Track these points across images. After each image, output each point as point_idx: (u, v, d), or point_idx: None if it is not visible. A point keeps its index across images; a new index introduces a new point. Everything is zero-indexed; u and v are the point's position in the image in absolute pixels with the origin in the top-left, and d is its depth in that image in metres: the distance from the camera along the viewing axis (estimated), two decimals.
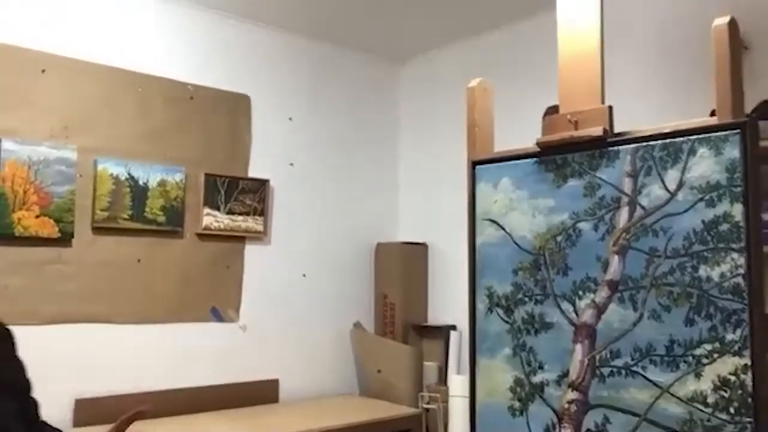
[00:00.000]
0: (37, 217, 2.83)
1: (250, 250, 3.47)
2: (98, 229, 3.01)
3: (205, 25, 3.41)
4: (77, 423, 2.88)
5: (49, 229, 2.86)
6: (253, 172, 3.50)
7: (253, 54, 3.58)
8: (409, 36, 3.83)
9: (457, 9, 3.43)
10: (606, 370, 1.66)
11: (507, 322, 1.89)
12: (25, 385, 1.34)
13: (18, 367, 1.39)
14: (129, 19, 3.18)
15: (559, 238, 1.83)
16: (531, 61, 3.38)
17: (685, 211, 1.60)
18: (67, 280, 2.92)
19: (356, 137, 4.00)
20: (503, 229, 1.96)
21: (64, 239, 2.91)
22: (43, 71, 2.90)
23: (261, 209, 3.48)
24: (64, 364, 2.88)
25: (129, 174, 3.08)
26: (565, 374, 1.74)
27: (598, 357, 1.68)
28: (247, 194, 3.44)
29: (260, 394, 3.38)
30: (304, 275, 3.64)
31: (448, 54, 3.97)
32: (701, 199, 1.58)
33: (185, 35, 3.35)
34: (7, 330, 1.40)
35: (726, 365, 1.48)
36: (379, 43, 3.94)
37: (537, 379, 1.80)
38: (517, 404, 1.83)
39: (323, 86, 3.86)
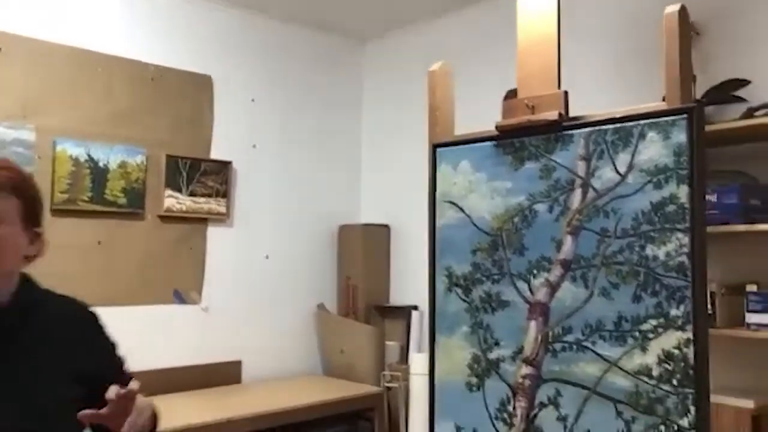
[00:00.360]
0: None
1: (213, 232, 3.47)
2: (57, 211, 2.98)
3: (167, 5, 3.37)
4: None
5: None
6: (216, 154, 3.49)
7: (216, 34, 3.55)
8: (371, 16, 3.84)
9: None
10: (558, 346, 1.73)
11: (465, 301, 1.95)
12: (100, 371, 1.33)
13: (98, 351, 1.39)
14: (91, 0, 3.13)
15: (516, 219, 1.88)
16: (492, 44, 3.43)
17: (635, 192, 1.67)
18: None
19: (319, 119, 4.01)
20: (462, 210, 2.01)
21: None
22: (0, 50, 2.85)
23: (224, 191, 3.48)
24: None
25: (89, 155, 3.05)
26: (520, 350, 1.80)
27: (550, 333, 1.75)
28: (210, 176, 3.44)
29: (223, 375, 3.40)
30: (267, 257, 3.66)
31: (410, 35, 4.00)
32: (649, 182, 1.64)
33: (147, 15, 3.31)
34: (92, 313, 1.40)
35: (670, 339, 1.56)
36: (341, 22, 3.95)
37: (493, 355, 1.86)
38: (474, 380, 1.90)
39: (286, 67, 3.86)
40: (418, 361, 3.30)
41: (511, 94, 2.15)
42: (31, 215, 1.28)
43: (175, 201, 3.30)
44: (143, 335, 3.15)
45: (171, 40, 3.38)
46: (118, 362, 1.45)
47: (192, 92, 3.45)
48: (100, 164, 3.08)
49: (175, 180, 3.30)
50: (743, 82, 2.59)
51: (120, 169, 3.13)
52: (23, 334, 1.27)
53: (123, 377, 1.35)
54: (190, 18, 3.46)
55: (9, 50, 2.87)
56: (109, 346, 1.43)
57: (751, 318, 2.34)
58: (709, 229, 2.31)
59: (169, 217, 3.30)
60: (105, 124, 3.13)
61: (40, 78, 2.96)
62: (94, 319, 1.41)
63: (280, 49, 3.83)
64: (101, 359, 1.38)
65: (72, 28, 3.06)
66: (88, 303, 1.42)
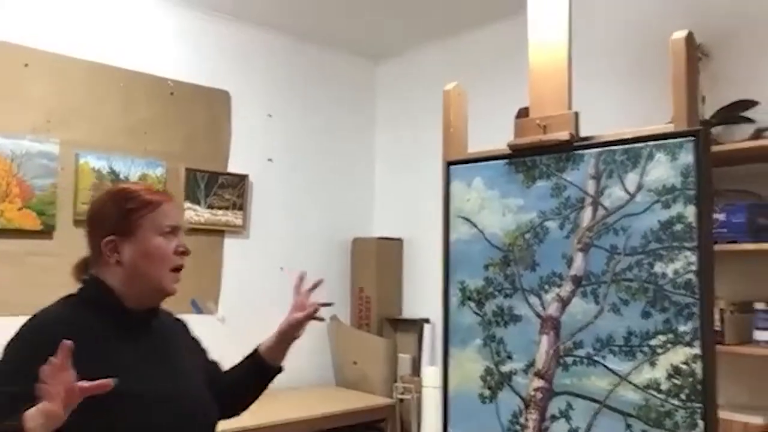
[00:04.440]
0: (20, 209, 2.87)
1: (229, 244, 3.54)
2: (80, 222, 3.05)
3: (187, 22, 3.47)
4: None
5: (32, 222, 2.90)
6: (233, 167, 3.57)
7: (234, 51, 3.64)
8: (386, 35, 3.92)
9: (433, 9, 3.53)
10: (569, 360, 1.77)
11: (478, 315, 2.00)
12: (208, 359, 1.67)
13: (197, 348, 1.66)
14: (112, 16, 3.23)
15: (527, 236, 1.93)
16: (504, 62, 3.49)
17: (643, 211, 1.72)
18: (49, 272, 2.97)
19: (334, 134, 4.08)
20: (475, 226, 2.06)
21: (46, 231, 2.96)
22: (26, 65, 2.94)
23: (240, 204, 3.55)
24: None
25: (110, 168, 3.13)
26: (532, 364, 1.85)
27: (562, 347, 1.79)
28: (227, 189, 3.51)
29: None
30: (281, 269, 3.72)
31: (424, 53, 4.07)
32: (657, 201, 1.69)
33: (167, 32, 3.40)
34: (181, 320, 1.65)
35: (678, 355, 1.60)
36: (357, 41, 4.03)
37: (506, 368, 1.91)
38: (486, 392, 1.94)
39: (302, 83, 3.94)
40: (431, 374, 3.34)
41: (523, 112, 2.20)
42: None
43: (193, 213, 3.38)
44: None
45: (190, 55, 3.47)
46: (208, 355, 1.69)
47: (210, 107, 3.53)
48: (122, 176, 3.16)
49: (193, 193, 3.38)
50: (752, 103, 2.63)
51: (140, 182, 3.21)
52: (163, 330, 1.51)
53: (216, 366, 1.68)
54: (209, 35, 3.55)
55: (34, 65, 2.96)
56: (201, 344, 1.68)
57: (760, 335, 2.38)
58: (718, 247, 2.36)
59: (187, 229, 3.36)
60: (126, 138, 3.21)
61: (63, 92, 3.05)
62: (185, 324, 1.66)
63: (296, 66, 3.91)
64: (202, 355, 1.66)
65: (94, 43, 3.15)
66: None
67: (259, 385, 1.70)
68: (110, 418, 1.25)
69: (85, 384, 1.11)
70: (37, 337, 1.31)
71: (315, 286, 1.73)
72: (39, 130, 2.96)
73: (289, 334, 1.68)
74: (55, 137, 2.99)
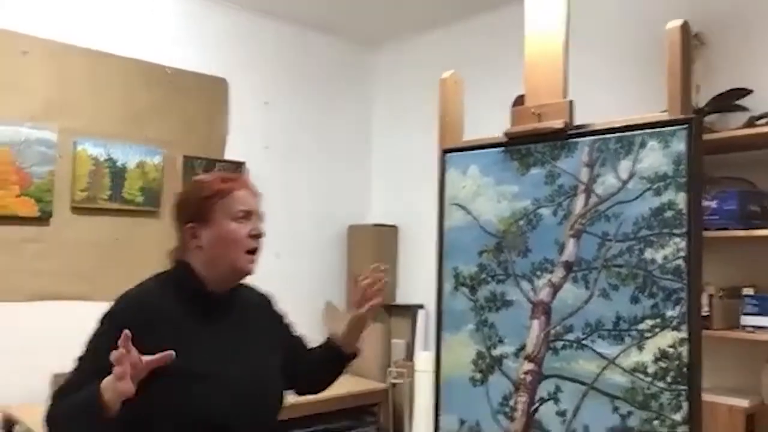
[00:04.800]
0: (18, 196, 2.90)
1: None
2: (77, 209, 3.08)
3: (185, 10, 3.47)
4: None
5: (29, 209, 2.93)
6: (230, 155, 3.59)
7: (231, 38, 3.65)
8: (383, 22, 3.94)
9: None
10: (559, 344, 1.81)
11: (471, 300, 2.03)
12: (290, 336, 1.75)
13: (280, 325, 1.73)
14: (111, 3, 3.23)
15: (521, 222, 1.96)
16: (501, 51, 3.51)
17: (635, 199, 1.75)
18: (47, 259, 3.00)
19: (330, 121, 4.10)
20: (470, 213, 2.09)
21: (44, 218, 2.98)
22: (25, 53, 2.95)
23: None
24: (43, 340, 2.96)
25: (108, 155, 3.15)
26: (523, 347, 1.88)
27: (552, 332, 1.83)
28: (219, 172, 3.53)
29: None
30: (277, 255, 3.75)
31: (420, 41, 4.08)
32: (649, 188, 1.72)
33: (165, 19, 3.41)
34: (267, 295, 1.73)
35: (665, 339, 1.63)
36: (354, 28, 4.04)
37: (497, 352, 1.94)
38: (478, 375, 1.98)
39: (299, 71, 3.95)
40: (424, 359, 3.39)
41: (519, 100, 2.23)
42: None
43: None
44: None
45: (188, 43, 3.48)
46: (292, 326, 1.77)
47: (208, 94, 3.55)
48: (119, 164, 3.18)
49: (190, 179, 3.39)
50: (746, 92, 2.67)
51: (138, 169, 3.24)
52: (243, 312, 1.57)
53: (299, 338, 1.76)
54: (207, 22, 3.56)
55: (33, 53, 2.98)
56: (284, 320, 1.75)
57: (747, 320, 2.42)
58: (709, 233, 2.41)
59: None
60: (124, 125, 3.23)
61: (61, 80, 3.06)
62: (271, 299, 1.73)
63: (293, 54, 3.93)
64: (283, 332, 1.73)
65: (92, 31, 3.16)
66: (258, 287, 1.71)
67: (337, 368, 1.78)
68: (172, 393, 1.36)
69: (148, 358, 1.24)
70: (120, 317, 1.41)
71: (371, 283, 1.78)
72: (37, 117, 2.97)
73: (358, 325, 1.77)
74: (53, 125, 3.00)
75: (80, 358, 1.42)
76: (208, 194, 1.50)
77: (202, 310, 1.49)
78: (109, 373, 1.24)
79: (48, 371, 2.94)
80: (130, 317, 1.39)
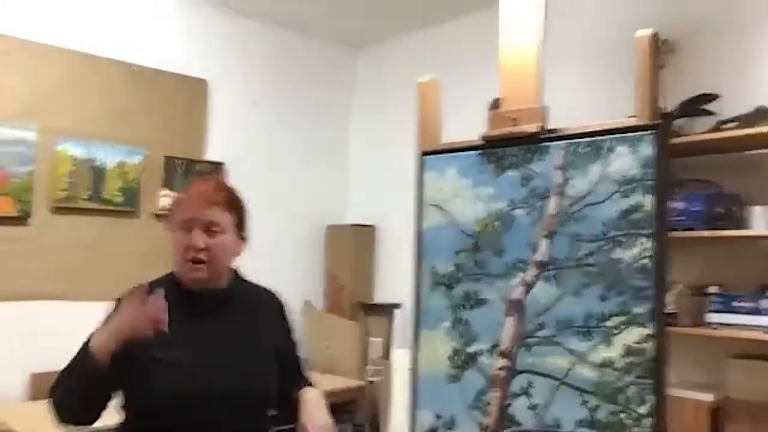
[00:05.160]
0: None
1: None
2: (57, 209, 3.08)
3: (165, 10, 3.49)
4: (33, 396, 2.97)
5: (8, 208, 2.93)
6: (210, 155, 3.61)
7: (211, 38, 3.67)
8: (364, 25, 3.98)
9: (409, 1, 3.59)
10: (532, 341, 1.87)
11: (448, 299, 2.09)
12: (287, 348, 1.72)
13: (286, 332, 1.74)
14: (90, 3, 3.24)
15: (496, 223, 2.02)
16: (478, 53, 3.56)
17: (604, 201, 1.82)
18: (25, 259, 3.00)
19: (310, 122, 4.14)
20: (448, 214, 2.15)
21: (23, 218, 2.98)
22: (5, 53, 2.95)
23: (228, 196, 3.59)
24: (21, 340, 2.96)
25: (89, 155, 3.16)
26: (497, 345, 1.95)
27: (525, 329, 1.90)
28: (201, 177, 3.55)
29: None
30: (256, 254, 3.77)
31: (400, 44, 4.14)
32: (618, 191, 1.79)
33: (144, 20, 3.42)
34: (280, 300, 1.76)
35: (632, 335, 1.71)
36: (335, 30, 4.08)
37: (472, 349, 2.00)
38: (454, 372, 2.03)
39: (279, 71, 3.98)
40: (401, 356, 3.44)
41: (496, 103, 2.29)
42: (240, 223, 1.63)
43: (169, 200, 3.41)
44: None
45: (168, 44, 3.50)
46: (296, 344, 1.77)
47: (188, 95, 3.57)
48: (99, 163, 3.19)
49: (171, 180, 3.42)
50: (713, 97, 2.75)
51: (118, 169, 3.25)
52: (235, 312, 1.60)
53: (298, 359, 1.75)
54: (187, 22, 3.58)
55: (12, 53, 2.98)
56: (292, 330, 1.76)
57: (712, 317, 2.51)
58: (676, 234, 2.49)
59: (163, 216, 3.41)
60: (104, 125, 3.24)
61: (41, 80, 3.06)
62: (282, 305, 1.75)
63: (274, 55, 3.96)
64: (288, 339, 1.73)
65: (72, 31, 3.17)
66: (275, 292, 1.76)
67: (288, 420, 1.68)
68: (148, 378, 1.45)
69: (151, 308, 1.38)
70: (117, 307, 1.52)
71: None
72: (17, 117, 2.98)
73: None
74: (32, 124, 3.00)
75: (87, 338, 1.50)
76: (173, 203, 1.59)
77: (186, 307, 1.54)
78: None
79: (26, 370, 2.94)
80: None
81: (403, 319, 3.73)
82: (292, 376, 1.70)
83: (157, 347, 1.43)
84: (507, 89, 2.10)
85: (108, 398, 1.47)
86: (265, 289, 1.74)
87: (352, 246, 4.01)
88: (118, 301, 1.53)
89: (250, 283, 1.73)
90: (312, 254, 4.10)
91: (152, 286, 1.54)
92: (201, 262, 1.52)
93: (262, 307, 1.70)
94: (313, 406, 1.58)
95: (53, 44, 3.10)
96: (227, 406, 1.50)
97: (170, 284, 1.55)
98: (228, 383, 1.51)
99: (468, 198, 2.10)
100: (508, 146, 2.04)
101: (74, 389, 1.42)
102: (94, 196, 3.18)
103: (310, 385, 1.73)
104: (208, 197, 1.56)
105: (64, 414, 1.46)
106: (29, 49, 3.02)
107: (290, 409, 1.62)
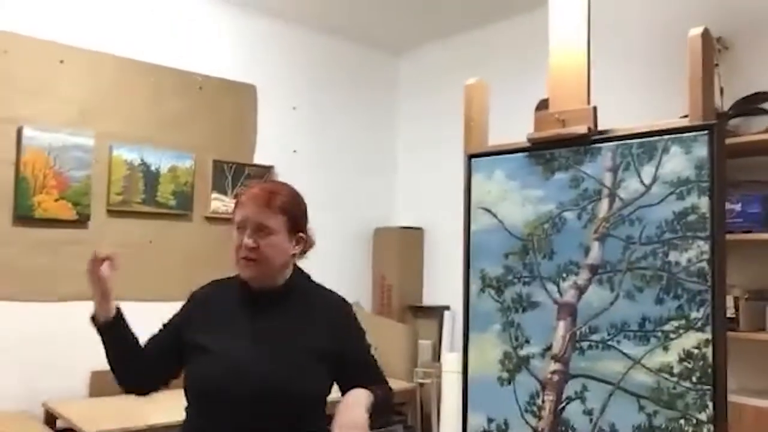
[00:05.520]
0: (56, 200, 3.00)
1: None
2: (113, 212, 3.18)
3: (214, 18, 3.56)
4: (93, 393, 3.07)
5: (67, 212, 3.03)
6: (259, 159, 3.67)
7: (259, 45, 3.73)
8: (408, 29, 3.99)
9: (454, 3, 3.59)
10: (585, 344, 1.85)
11: (497, 302, 2.08)
12: (343, 353, 1.67)
13: (344, 336, 1.71)
14: (142, 12, 3.33)
15: (546, 226, 2.01)
16: (524, 55, 3.55)
17: (658, 203, 1.78)
18: (84, 260, 3.08)
19: (357, 126, 4.16)
20: (496, 216, 2.14)
21: (81, 221, 3.08)
22: (62, 62, 3.06)
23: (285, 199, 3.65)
24: (82, 339, 3.04)
25: (142, 160, 3.25)
26: (549, 348, 1.93)
27: (578, 332, 1.87)
28: (253, 180, 3.61)
29: None
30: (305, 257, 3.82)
31: (445, 47, 4.13)
32: (672, 193, 1.76)
33: (194, 27, 3.50)
34: (346, 305, 1.78)
35: (690, 340, 1.67)
36: (380, 35, 4.10)
37: (524, 352, 1.99)
38: (505, 375, 2.02)
39: (326, 76, 4.02)
40: (451, 359, 3.43)
41: (543, 104, 2.27)
42: (295, 226, 1.66)
43: (221, 203, 3.49)
44: None
45: (217, 50, 3.57)
46: (363, 350, 1.76)
47: (237, 100, 3.63)
48: (152, 168, 3.28)
49: (220, 183, 3.49)
50: None
51: (170, 173, 3.33)
52: (287, 310, 1.64)
53: (358, 363, 1.71)
54: (235, 29, 3.65)
55: (69, 61, 3.08)
56: (357, 335, 1.75)
57: None
58: (733, 236, 2.42)
59: (214, 219, 3.48)
60: (156, 131, 3.32)
61: (97, 87, 3.16)
62: (347, 310, 1.76)
63: (320, 60, 4.00)
64: (346, 344, 1.69)
65: (125, 40, 3.26)
66: (344, 297, 1.78)
67: None
68: (189, 363, 1.61)
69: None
70: (192, 295, 1.74)
71: None
72: (74, 123, 3.08)
73: None
74: (89, 130, 3.11)
75: None
76: (233, 203, 1.68)
77: (243, 302, 1.64)
78: (169, 327, 1.70)
79: (86, 369, 3.04)
80: (197, 296, 1.72)
81: (452, 322, 3.72)
82: (355, 381, 1.65)
83: (205, 336, 1.59)
84: (556, 90, 2.08)
85: (149, 370, 1.67)
86: (331, 292, 1.76)
87: (400, 248, 4.02)
88: (192, 295, 1.72)
89: (316, 285, 1.76)
90: (360, 257, 4.12)
91: (222, 282, 1.73)
92: (251, 260, 1.58)
93: (320, 308, 1.70)
94: (349, 406, 1.55)
95: (107, 51, 3.19)
96: (249, 400, 1.51)
97: (234, 282, 1.66)
98: (255, 378, 1.52)
99: (516, 200, 2.09)
100: (557, 148, 2.02)
101: (107, 357, 1.66)
102: (148, 200, 3.26)
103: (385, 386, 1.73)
104: (261, 200, 1.61)
105: (117, 381, 1.69)
106: (85, 57, 3.13)
107: None
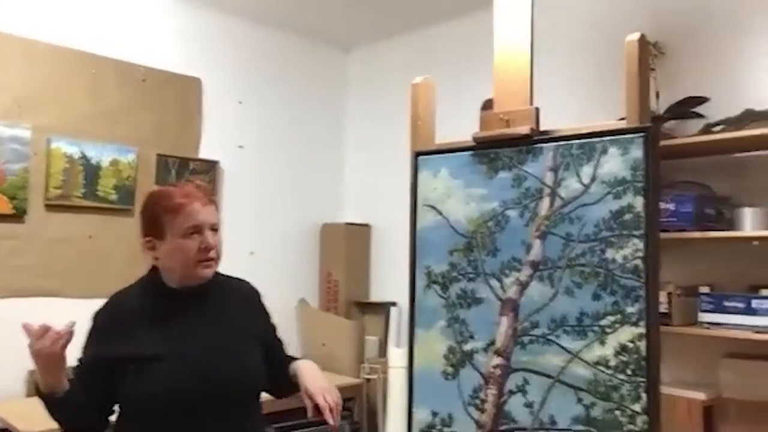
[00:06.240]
0: None
1: None
2: (51, 206, 3.08)
3: (158, 8, 3.49)
4: (30, 393, 2.97)
5: (3, 206, 2.93)
6: (204, 154, 3.62)
7: (205, 38, 3.68)
8: (357, 25, 3.99)
9: (404, 1, 3.61)
10: (526, 339, 1.91)
11: (443, 298, 2.12)
12: (269, 334, 1.78)
13: (262, 318, 1.79)
14: (83, 1, 3.24)
15: (489, 223, 2.05)
16: (470, 55, 3.59)
17: (596, 202, 1.85)
18: (20, 255, 3.00)
19: (304, 121, 4.15)
20: (441, 214, 2.18)
21: (18, 215, 2.98)
22: None
23: (211, 190, 3.60)
24: (17, 337, 2.96)
25: (82, 153, 3.16)
26: (492, 343, 1.98)
27: (520, 327, 1.93)
28: (198, 175, 3.56)
29: None
30: (251, 253, 3.79)
31: (393, 44, 4.15)
32: (609, 192, 1.83)
33: (138, 18, 3.42)
34: (255, 290, 1.81)
35: (625, 334, 1.74)
36: (328, 31, 4.09)
37: (468, 347, 2.03)
38: (449, 369, 2.06)
39: (273, 71, 3.99)
40: (397, 355, 3.46)
41: (488, 104, 2.32)
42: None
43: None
44: None
45: (161, 42, 3.50)
46: (276, 331, 1.84)
47: (181, 94, 3.57)
48: (93, 162, 3.19)
49: (164, 178, 3.42)
50: (703, 99, 2.78)
51: (112, 167, 3.25)
52: (214, 304, 1.65)
53: (278, 341, 1.82)
54: (180, 21, 3.58)
55: (5, 50, 2.97)
56: (268, 315, 1.81)
57: (704, 317, 2.54)
58: (667, 235, 2.52)
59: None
60: (98, 124, 3.24)
61: (35, 77, 3.06)
62: (259, 294, 1.80)
63: (268, 54, 3.97)
64: (267, 323, 1.80)
65: (66, 29, 3.16)
66: (247, 281, 1.81)
67: (288, 392, 1.80)
68: (138, 379, 1.51)
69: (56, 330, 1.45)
70: (97, 317, 1.60)
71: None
72: (10, 115, 2.97)
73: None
74: (26, 122, 3.00)
75: None
76: (163, 210, 1.57)
77: (169, 305, 1.60)
78: (85, 363, 1.54)
79: (22, 367, 2.94)
80: (106, 316, 1.60)
81: (399, 318, 3.75)
82: (279, 356, 1.78)
83: (136, 348, 1.52)
84: (500, 91, 2.13)
85: (96, 409, 1.55)
86: (240, 280, 1.78)
87: (347, 244, 4.03)
88: (95, 317, 1.59)
89: (223, 275, 1.73)
90: (307, 253, 4.11)
91: (127, 292, 1.65)
92: (213, 260, 1.59)
93: (239, 297, 1.74)
94: (312, 373, 1.68)
95: (46, 41, 3.09)
96: (224, 391, 1.55)
97: (153, 285, 1.62)
98: (225, 375, 1.56)
99: (461, 198, 2.13)
100: (501, 147, 2.06)
101: (51, 416, 1.52)
102: (89, 194, 3.18)
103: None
104: (205, 200, 1.59)
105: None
106: (23, 46, 3.02)
107: (287, 383, 1.71)
